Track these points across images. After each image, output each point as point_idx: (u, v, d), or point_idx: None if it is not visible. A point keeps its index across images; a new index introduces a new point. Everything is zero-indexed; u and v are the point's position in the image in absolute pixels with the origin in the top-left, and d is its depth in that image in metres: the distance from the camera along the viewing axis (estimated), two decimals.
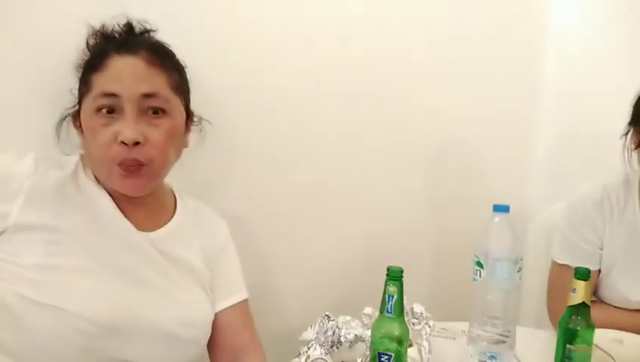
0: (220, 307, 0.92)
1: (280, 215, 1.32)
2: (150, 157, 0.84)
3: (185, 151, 0.97)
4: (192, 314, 0.87)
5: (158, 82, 0.85)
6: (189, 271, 0.89)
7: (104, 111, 0.82)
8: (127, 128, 0.81)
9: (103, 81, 0.83)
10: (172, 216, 0.93)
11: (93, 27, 0.91)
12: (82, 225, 0.82)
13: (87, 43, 0.91)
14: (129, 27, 0.91)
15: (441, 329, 1.15)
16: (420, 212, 1.46)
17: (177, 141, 0.90)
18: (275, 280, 1.34)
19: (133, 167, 0.83)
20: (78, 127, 0.88)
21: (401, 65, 1.38)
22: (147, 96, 0.83)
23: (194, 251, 0.92)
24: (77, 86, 0.89)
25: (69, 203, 0.83)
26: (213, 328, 0.91)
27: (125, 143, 0.81)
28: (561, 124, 1.51)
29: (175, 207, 0.95)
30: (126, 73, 0.83)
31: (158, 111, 0.85)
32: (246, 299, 0.96)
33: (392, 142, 1.40)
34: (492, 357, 1.03)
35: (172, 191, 0.98)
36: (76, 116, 0.89)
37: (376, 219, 1.41)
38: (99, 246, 0.82)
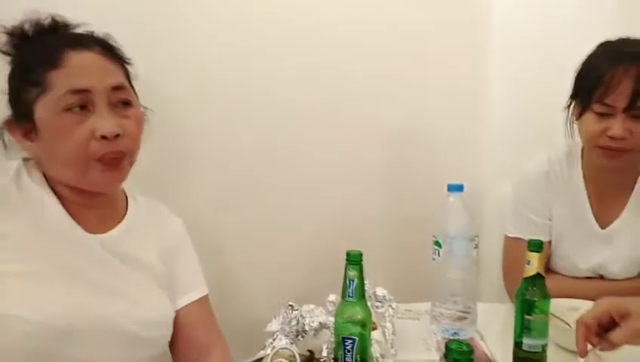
0: (180, 304, 0.91)
1: (240, 210, 1.32)
2: (130, 148, 0.85)
3: (146, 149, 0.95)
4: (152, 313, 0.85)
5: (119, 74, 0.85)
6: (145, 270, 0.87)
7: (75, 109, 0.79)
8: (106, 122, 0.80)
9: (67, 79, 0.79)
10: (124, 216, 0.91)
11: (5, 26, 0.85)
12: (29, 230, 0.79)
13: (11, 43, 0.85)
14: (54, 23, 0.87)
15: (406, 310, 1.17)
16: (377, 197, 1.47)
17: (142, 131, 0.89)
18: (238, 275, 1.33)
19: (114, 160, 0.82)
20: (19, 133, 0.84)
21: (353, 49, 1.38)
22: (115, 88, 0.83)
23: (148, 249, 0.90)
24: (9, 90, 0.85)
25: (14, 208, 0.80)
26: (174, 326, 0.89)
27: (106, 137, 0.80)
28: (512, 103, 1.54)
29: (127, 206, 0.93)
30: (92, 68, 0.81)
31: (125, 104, 0.85)
32: (206, 295, 0.95)
33: (346, 129, 1.41)
34: (455, 333, 1.06)
35: (123, 190, 0.96)
36: (11, 123, 0.84)
37: (334, 207, 1.42)
38: (47, 251, 0.79)
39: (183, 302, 0.91)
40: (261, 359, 0.90)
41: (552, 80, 1.33)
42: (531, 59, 1.46)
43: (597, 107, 1.05)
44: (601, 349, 0.84)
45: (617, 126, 1.02)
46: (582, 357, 0.84)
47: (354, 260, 0.84)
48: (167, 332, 0.87)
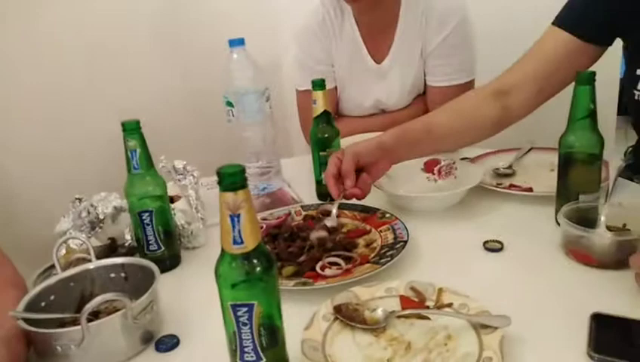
0: None
1: None
2: None
3: None
4: None
5: None
6: None
7: None
8: None
9: None
10: None
11: None
12: None
13: None
14: None
15: (214, 181, 1.15)
16: (159, 70, 1.37)
17: None
18: (15, 178, 1.17)
19: None
20: None
21: None
22: None
23: None
24: None
25: None
26: None
27: None
28: None
29: None
30: None
31: None
32: None
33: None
34: (264, 188, 1.07)
35: None
36: None
37: (114, 92, 1.29)
38: None
39: None
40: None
41: None
42: None
43: None
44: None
45: None
46: (337, 198, 0.83)
47: (130, 128, 0.77)
48: None
